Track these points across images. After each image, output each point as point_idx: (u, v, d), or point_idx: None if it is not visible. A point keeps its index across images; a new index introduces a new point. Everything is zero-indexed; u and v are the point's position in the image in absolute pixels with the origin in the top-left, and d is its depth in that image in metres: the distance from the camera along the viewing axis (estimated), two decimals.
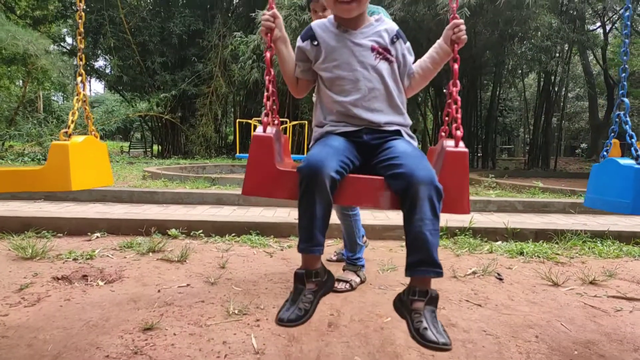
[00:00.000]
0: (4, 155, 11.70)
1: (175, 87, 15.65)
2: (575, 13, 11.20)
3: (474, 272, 2.93)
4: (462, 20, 1.55)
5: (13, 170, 1.77)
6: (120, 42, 15.50)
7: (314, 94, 1.80)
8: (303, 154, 11.88)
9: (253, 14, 11.38)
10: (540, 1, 8.69)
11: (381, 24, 1.59)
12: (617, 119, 1.98)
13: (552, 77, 14.53)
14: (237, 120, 11.48)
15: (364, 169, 1.50)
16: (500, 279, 2.82)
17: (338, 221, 3.40)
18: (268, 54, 1.52)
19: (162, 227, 3.83)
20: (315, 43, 1.57)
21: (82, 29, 1.90)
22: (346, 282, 2.61)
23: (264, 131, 1.47)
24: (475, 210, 5.56)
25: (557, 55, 13.95)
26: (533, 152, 15.15)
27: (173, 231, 3.78)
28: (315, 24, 1.64)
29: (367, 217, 4.47)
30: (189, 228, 3.85)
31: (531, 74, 16.96)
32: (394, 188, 1.37)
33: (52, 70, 12.61)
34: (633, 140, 1.90)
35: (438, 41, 1.60)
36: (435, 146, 1.63)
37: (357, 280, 2.67)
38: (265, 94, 1.53)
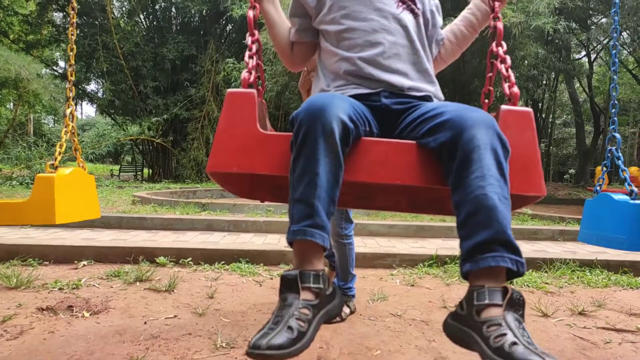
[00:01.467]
0: None
1: (167, 111, 15.72)
2: (560, 43, 11.51)
3: None
4: None
5: None
6: (113, 67, 15.61)
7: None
8: None
9: (245, 41, 11.54)
10: (526, 32, 8.92)
11: None
12: (609, 154, 2.01)
13: (540, 104, 14.81)
14: None
15: (382, 132, 1.16)
16: None
17: None
18: (251, 13, 1.24)
19: (150, 255, 3.79)
20: None
21: (72, 62, 1.92)
22: None
23: (248, 80, 1.15)
24: None
25: (544, 83, 14.27)
26: None
27: (161, 259, 3.74)
28: None
29: (357, 243, 4.46)
30: (178, 256, 3.81)
31: (519, 101, 17.27)
32: (434, 145, 0.94)
33: (43, 94, 12.61)
34: (626, 175, 1.93)
35: (473, 1, 1.35)
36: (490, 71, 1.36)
37: (347, 311, 2.65)
38: (247, 53, 1.22)
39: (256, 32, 1.24)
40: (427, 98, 1.18)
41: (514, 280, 3.47)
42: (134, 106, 16.67)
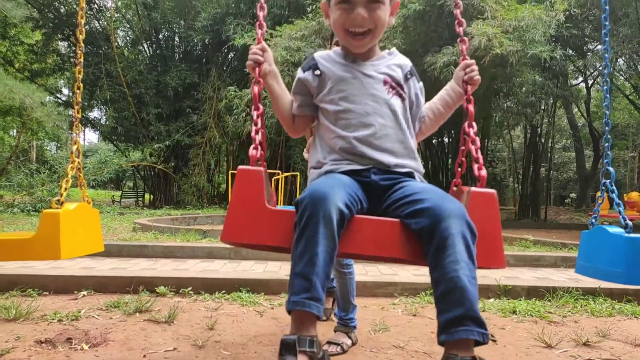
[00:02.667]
0: None
1: (169, 138, 15.85)
2: (558, 69, 11.68)
3: None
4: (473, 61, 1.49)
5: (2, 241, 1.76)
6: (116, 94, 15.83)
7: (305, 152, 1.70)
8: None
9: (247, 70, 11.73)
10: (523, 59, 9.06)
11: (394, 58, 1.45)
12: (603, 187, 2.04)
13: (539, 130, 14.93)
14: (230, 172, 11.57)
15: (371, 214, 1.26)
16: (494, 341, 2.78)
17: None
18: (256, 89, 1.36)
19: (150, 285, 3.77)
20: (318, 73, 1.41)
21: (79, 99, 1.96)
22: (337, 344, 2.56)
23: (255, 163, 1.27)
24: None
25: (542, 109, 14.41)
26: (523, 202, 15.31)
27: (161, 289, 3.72)
28: (319, 54, 1.49)
29: (359, 271, 4.44)
30: (178, 285, 3.79)
31: (518, 127, 17.41)
32: (416, 227, 1.10)
33: (46, 122, 12.76)
34: (620, 208, 1.95)
35: (449, 83, 1.53)
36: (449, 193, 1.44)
37: (349, 342, 2.62)
38: (254, 128, 1.35)
39: (260, 105, 1.37)
40: (410, 174, 1.36)
41: (518, 310, 3.44)
42: (136, 133, 16.82)
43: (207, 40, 16.56)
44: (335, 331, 2.69)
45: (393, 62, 1.44)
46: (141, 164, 16.07)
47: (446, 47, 8.84)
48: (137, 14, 17.28)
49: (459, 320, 1.01)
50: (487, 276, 4.62)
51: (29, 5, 14.41)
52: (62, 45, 18.81)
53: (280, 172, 9.65)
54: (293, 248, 1.08)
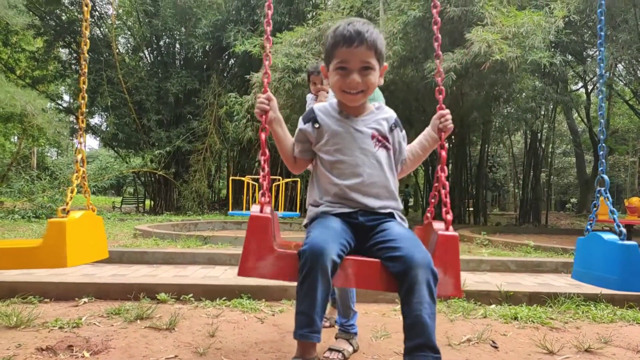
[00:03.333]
0: None
1: (170, 144, 15.87)
2: (557, 75, 11.70)
3: (468, 340, 2.88)
4: (447, 110, 1.65)
5: (8, 249, 1.77)
6: (117, 101, 15.87)
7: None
8: (295, 210, 11.91)
9: (247, 76, 11.77)
10: (523, 65, 9.08)
11: (381, 112, 1.66)
12: (598, 194, 2.05)
13: (539, 135, 14.94)
14: (231, 178, 11.57)
15: (358, 250, 1.51)
16: (496, 347, 2.77)
17: None
18: (263, 135, 1.56)
19: (151, 291, 3.76)
20: (317, 126, 1.62)
21: (84, 109, 1.97)
22: (339, 351, 2.55)
23: (261, 211, 1.47)
24: (468, 270, 5.54)
25: (543, 114, 14.43)
26: (524, 208, 15.29)
27: (162, 295, 3.71)
28: (317, 107, 1.68)
29: None
30: (179, 292, 3.78)
31: (518, 132, 17.43)
32: (391, 270, 1.37)
33: (47, 128, 12.79)
34: (615, 216, 1.96)
35: (427, 129, 1.71)
36: (422, 226, 1.70)
37: (350, 349, 2.62)
38: (261, 173, 1.56)
39: (267, 151, 1.58)
40: (391, 214, 1.59)
41: (520, 316, 3.43)
42: (137, 139, 16.84)
43: (207, 46, 16.64)
44: (336, 338, 2.69)
45: (380, 116, 1.64)
46: (142, 170, 16.09)
47: (446, 54, 8.87)
48: (138, 21, 17.36)
49: (419, 348, 1.30)
50: (489, 282, 4.62)
51: (31, 12, 14.49)
52: (64, 52, 18.89)
53: (280, 178, 9.66)
54: (298, 289, 1.36)
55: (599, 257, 1.91)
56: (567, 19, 9.03)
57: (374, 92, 2.27)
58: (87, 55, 1.98)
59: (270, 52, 1.71)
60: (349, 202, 1.55)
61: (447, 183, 1.55)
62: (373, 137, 1.59)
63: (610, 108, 17.87)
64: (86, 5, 2.02)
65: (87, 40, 2.01)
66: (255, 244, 1.42)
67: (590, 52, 13.54)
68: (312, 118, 1.63)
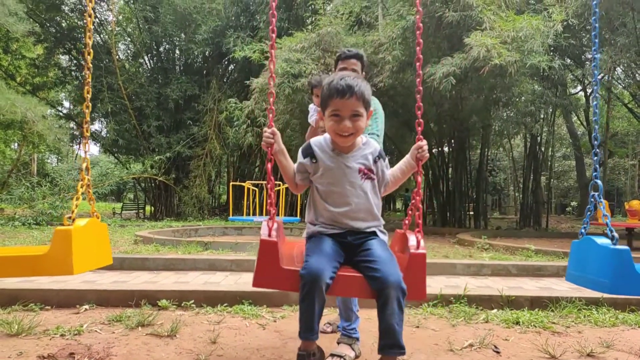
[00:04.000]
0: None
1: (170, 150, 15.88)
2: (556, 78, 11.72)
3: (470, 345, 2.88)
4: (425, 142, 1.89)
5: (15, 257, 1.80)
6: (117, 107, 15.89)
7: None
8: (296, 215, 11.90)
9: (247, 82, 11.80)
10: (522, 69, 9.11)
11: (367, 147, 1.91)
12: (592, 199, 2.09)
13: (539, 138, 14.94)
14: (231, 183, 11.57)
15: (347, 261, 1.83)
16: (498, 352, 2.77)
17: None
18: (269, 165, 1.83)
19: (152, 298, 3.76)
20: (314, 161, 1.89)
21: (88, 118, 1.99)
22: (340, 357, 2.55)
23: (269, 235, 1.74)
24: (469, 274, 5.54)
25: (542, 118, 14.44)
26: (524, 211, 15.29)
27: (163, 302, 3.71)
28: (314, 143, 1.93)
29: None
30: (180, 298, 3.78)
31: (518, 136, 17.43)
32: (371, 286, 1.70)
33: (48, 135, 12.80)
34: (608, 220, 2.00)
35: (407, 156, 1.96)
36: (401, 233, 2.01)
37: (352, 354, 2.61)
38: (268, 200, 1.81)
39: (272, 179, 1.83)
40: (374, 233, 1.90)
41: (522, 321, 3.42)
42: (137, 145, 16.85)
43: (207, 52, 16.68)
44: (338, 343, 2.69)
45: (367, 151, 1.89)
46: (142, 176, 16.09)
47: (445, 58, 8.90)
48: (138, 28, 17.40)
49: (390, 346, 1.66)
50: (490, 286, 4.61)
51: (31, 20, 14.54)
52: (64, 59, 18.94)
53: (281, 183, 9.66)
54: (300, 302, 1.67)
55: (592, 260, 1.97)
56: (565, 23, 9.06)
57: (373, 103, 2.46)
58: (90, 65, 1.99)
59: (273, 90, 1.95)
60: (340, 224, 1.87)
61: (420, 207, 1.84)
62: (360, 171, 1.86)
63: (610, 111, 17.89)
64: (90, 16, 2.03)
65: (91, 50, 2.02)
66: (265, 262, 1.73)
67: (589, 56, 13.56)
68: (310, 154, 1.89)
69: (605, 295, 3.93)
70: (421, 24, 2.00)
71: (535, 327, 3.35)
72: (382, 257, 1.72)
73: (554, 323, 3.44)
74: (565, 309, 3.75)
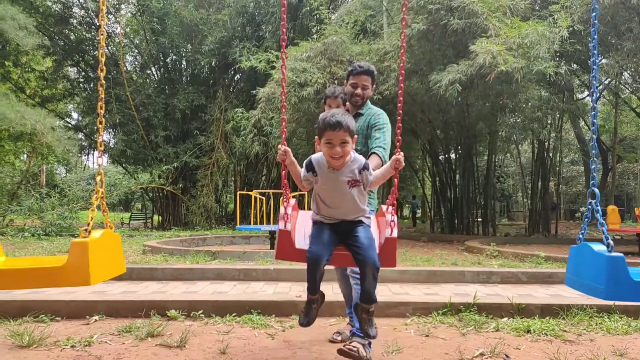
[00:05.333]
0: (4, 230, 11.68)
1: (178, 159, 15.96)
2: (563, 84, 11.67)
3: (481, 354, 2.85)
4: (402, 155, 2.35)
5: (34, 269, 1.84)
6: (125, 118, 16.02)
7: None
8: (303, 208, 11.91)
9: (254, 91, 11.87)
10: (528, 75, 9.08)
11: (354, 163, 2.37)
12: (589, 206, 2.13)
13: (546, 144, 14.86)
14: (238, 192, 11.59)
15: (341, 241, 2.38)
16: None
17: (341, 298, 3.38)
18: (284, 172, 2.45)
19: (161, 308, 3.77)
20: (315, 174, 2.39)
21: (102, 133, 2.02)
22: (353, 350, 2.55)
23: (285, 226, 2.32)
24: (478, 282, 5.50)
25: (549, 124, 14.37)
26: (533, 218, 15.17)
27: (172, 312, 3.72)
28: (315, 160, 2.39)
29: None
30: (189, 308, 3.79)
31: (525, 142, 17.36)
32: (356, 263, 2.29)
33: (57, 146, 12.92)
34: (604, 228, 2.05)
35: (387, 164, 2.43)
36: (384, 209, 2.47)
37: (364, 353, 2.61)
38: (282, 199, 2.44)
39: (286, 181, 2.45)
40: (360, 220, 2.43)
41: (533, 329, 3.39)
42: (145, 155, 16.95)
43: (213, 63, 16.80)
44: (351, 336, 2.81)
45: (353, 166, 2.35)
46: (150, 185, 16.16)
47: (451, 65, 8.90)
48: (145, 39, 17.58)
49: (366, 300, 2.31)
50: (500, 294, 4.58)
51: (40, 33, 14.74)
52: (72, 71, 19.16)
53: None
54: (307, 273, 2.29)
55: (588, 266, 2.03)
56: (571, 29, 9.04)
57: (379, 113, 3.13)
58: (103, 82, 2.04)
59: (285, 122, 2.50)
60: (334, 218, 2.43)
61: (395, 203, 2.44)
62: (348, 182, 2.35)
63: (617, 116, 17.77)
64: (102, 34, 2.08)
65: (104, 67, 2.07)
66: (283, 245, 2.33)
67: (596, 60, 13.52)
68: (311, 169, 2.39)
69: (618, 303, 3.89)
70: (405, 44, 2.46)
71: (547, 335, 3.32)
72: (364, 244, 2.28)
73: (565, 331, 3.41)
74: (576, 316, 3.72)
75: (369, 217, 2.49)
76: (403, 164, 2.37)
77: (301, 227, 2.53)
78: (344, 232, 2.38)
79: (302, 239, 2.40)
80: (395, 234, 2.31)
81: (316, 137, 2.39)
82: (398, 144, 2.40)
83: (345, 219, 2.40)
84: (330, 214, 2.40)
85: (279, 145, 2.37)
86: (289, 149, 2.37)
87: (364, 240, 2.29)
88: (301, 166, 2.43)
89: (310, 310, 2.38)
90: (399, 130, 2.44)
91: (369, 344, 2.73)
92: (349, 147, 2.30)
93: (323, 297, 2.43)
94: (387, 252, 2.30)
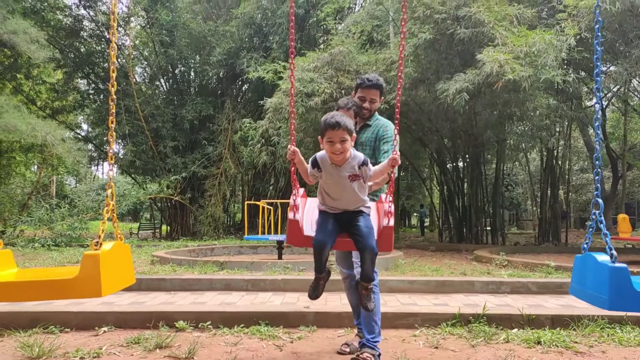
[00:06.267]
0: (15, 241, 11.79)
1: (186, 170, 16.06)
2: (571, 92, 11.62)
3: None
4: (398, 154, 2.54)
5: (47, 281, 1.87)
6: (134, 129, 16.17)
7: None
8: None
9: (261, 102, 11.95)
10: (536, 84, 9.06)
11: (353, 160, 2.56)
12: (593, 217, 2.14)
13: (555, 152, 14.76)
14: (246, 202, 11.61)
15: (344, 229, 2.57)
16: None
17: (349, 309, 3.37)
18: (293, 169, 2.69)
19: (169, 319, 3.78)
20: (320, 170, 2.59)
21: (112, 146, 2.05)
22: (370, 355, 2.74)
23: (294, 216, 2.56)
24: (488, 292, 5.45)
25: (558, 131, 14.28)
26: (542, 226, 15.03)
27: (181, 323, 3.72)
28: (319, 158, 2.57)
29: None
30: (197, 319, 3.79)
31: (534, 150, 17.26)
32: (357, 248, 2.52)
33: (67, 157, 13.05)
34: (607, 239, 2.06)
35: (385, 162, 2.61)
36: (383, 198, 2.66)
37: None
38: (293, 191, 2.67)
39: (296, 177, 2.69)
40: (361, 211, 2.62)
41: (543, 340, 3.34)
42: (153, 165, 17.07)
43: (221, 73, 16.95)
44: (361, 347, 2.83)
45: (354, 162, 2.55)
46: (158, 195, 16.27)
47: (458, 74, 8.91)
48: (154, 51, 17.79)
49: (365, 279, 2.53)
50: (510, 305, 4.53)
51: (51, 46, 14.97)
52: (82, 83, 19.41)
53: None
54: (313, 256, 2.54)
55: (592, 276, 2.05)
56: (578, 37, 9.02)
57: (386, 125, 3.19)
58: (114, 97, 2.09)
59: (294, 125, 2.73)
60: (338, 208, 2.63)
61: (392, 198, 2.60)
62: (349, 177, 2.55)
63: (627, 123, 17.63)
64: (113, 50, 2.12)
65: (115, 83, 2.11)
66: (293, 232, 2.56)
67: (604, 68, 13.46)
68: (316, 165, 2.59)
69: (630, 314, 3.83)
70: (404, 56, 2.90)
71: (557, 347, 3.28)
72: (364, 232, 2.51)
73: (576, 342, 3.36)
74: (587, 327, 3.67)
75: (369, 207, 2.70)
76: (399, 161, 2.58)
77: (309, 214, 2.75)
78: (346, 221, 2.60)
79: (309, 227, 2.63)
80: (392, 222, 2.52)
81: (319, 136, 2.62)
82: (396, 163, 2.58)
83: (347, 208, 2.61)
84: (334, 205, 2.62)
85: (289, 146, 2.63)
86: (297, 149, 2.62)
87: (364, 229, 2.51)
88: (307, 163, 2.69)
89: (318, 285, 2.62)
90: (396, 131, 2.71)
91: (379, 355, 2.74)
92: (348, 144, 2.51)
93: (329, 274, 2.69)
94: (384, 239, 2.52)
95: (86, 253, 1.90)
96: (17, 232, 13.19)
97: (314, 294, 2.63)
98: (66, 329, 3.65)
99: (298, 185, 2.68)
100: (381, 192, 3.02)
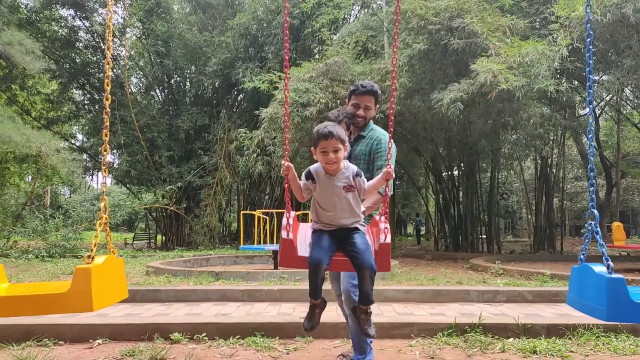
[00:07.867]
0: (8, 252, 11.70)
1: (181, 179, 16.03)
2: (564, 101, 11.72)
3: None
4: (392, 168, 2.52)
5: (37, 296, 1.85)
6: (129, 139, 16.14)
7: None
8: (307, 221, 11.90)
9: (257, 112, 11.98)
10: (529, 93, 9.13)
11: (347, 170, 2.55)
12: (589, 227, 2.16)
13: (549, 160, 14.85)
14: (242, 212, 11.60)
15: (339, 248, 2.49)
16: None
17: (343, 319, 3.36)
18: (287, 185, 2.55)
19: (164, 331, 3.75)
20: (314, 182, 2.54)
21: (106, 159, 2.06)
22: None
23: (287, 236, 2.45)
24: (484, 301, 5.46)
25: (552, 140, 14.37)
26: (538, 235, 15.07)
27: (176, 335, 3.70)
28: (313, 170, 2.53)
29: (374, 311, 4.37)
30: (192, 331, 3.77)
31: (528, 158, 17.35)
32: (354, 267, 2.40)
33: (61, 168, 13.00)
34: (603, 250, 2.07)
35: (379, 176, 2.57)
36: (377, 218, 2.60)
37: None
38: (285, 211, 2.54)
39: (289, 194, 2.60)
40: (357, 227, 2.56)
41: (539, 349, 3.35)
42: (149, 175, 17.02)
43: (217, 83, 17.00)
44: None
45: (348, 173, 2.52)
46: (153, 205, 16.21)
47: (452, 84, 8.98)
48: (149, 62, 17.83)
49: (364, 301, 2.42)
50: (506, 314, 4.53)
51: (47, 57, 14.98)
52: (77, 94, 19.39)
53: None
54: (308, 277, 2.40)
55: (589, 287, 2.05)
56: (570, 47, 9.12)
57: (381, 137, 3.08)
58: (109, 110, 2.09)
59: (288, 140, 2.63)
60: (332, 224, 2.55)
61: (387, 212, 2.60)
62: (344, 187, 2.51)
63: (620, 132, 17.77)
64: (108, 64, 2.14)
65: (109, 96, 2.12)
66: (286, 253, 2.44)
67: (596, 77, 13.59)
68: (310, 177, 2.54)
69: (624, 322, 3.84)
70: (396, 69, 2.73)
71: (553, 356, 3.28)
72: (361, 249, 2.42)
73: (572, 351, 3.37)
74: (583, 336, 3.68)
75: (363, 225, 2.64)
76: (393, 175, 2.55)
77: (302, 237, 2.65)
78: (341, 239, 2.51)
79: (303, 248, 2.53)
80: (388, 239, 2.45)
81: (312, 148, 2.58)
82: (390, 178, 2.55)
83: (342, 224, 2.54)
84: (329, 219, 2.54)
85: (283, 161, 2.51)
86: (291, 165, 2.51)
87: (361, 246, 2.44)
88: (300, 178, 2.60)
89: (314, 315, 2.50)
90: (390, 144, 2.66)
91: None
92: (341, 154, 2.50)
93: (325, 303, 2.54)
94: (382, 257, 2.44)
95: (78, 267, 1.89)
96: (11, 243, 13.08)
97: (309, 324, 2.48)
98: (60, 342, 3.62)
99: (291, 208, 2.54)
100: (374, 214, 2.90)
